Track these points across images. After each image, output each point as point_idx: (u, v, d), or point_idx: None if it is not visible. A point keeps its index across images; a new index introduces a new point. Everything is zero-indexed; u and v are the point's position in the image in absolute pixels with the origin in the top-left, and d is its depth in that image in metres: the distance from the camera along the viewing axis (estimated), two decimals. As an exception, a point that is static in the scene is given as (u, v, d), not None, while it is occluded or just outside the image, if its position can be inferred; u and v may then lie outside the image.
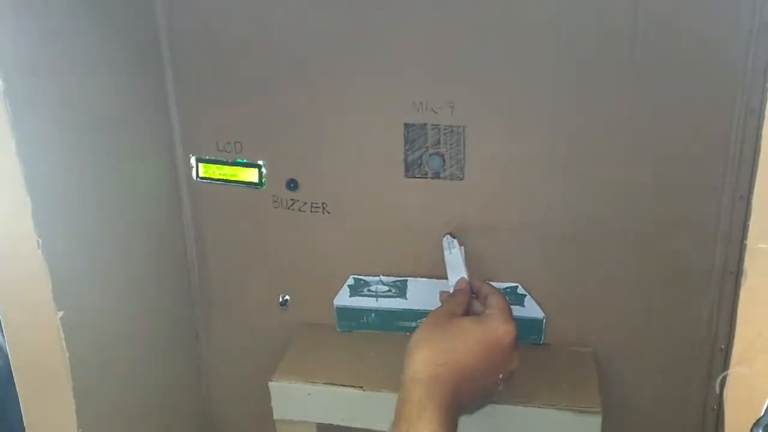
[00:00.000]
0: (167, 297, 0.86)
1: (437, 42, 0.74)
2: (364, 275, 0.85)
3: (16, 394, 0.68)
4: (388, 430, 0.62)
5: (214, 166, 0.84)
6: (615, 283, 0.79)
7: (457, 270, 0.76)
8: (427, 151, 0.78)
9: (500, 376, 0.68)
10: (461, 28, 0.73)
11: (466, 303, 0.72)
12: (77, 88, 0.68)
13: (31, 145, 0.61)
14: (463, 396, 0.64)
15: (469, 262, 0.77)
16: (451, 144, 0.77)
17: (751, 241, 0.48)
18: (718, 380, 0.52)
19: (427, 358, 0.64)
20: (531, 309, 0.81)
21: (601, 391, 0.76)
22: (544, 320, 0.82)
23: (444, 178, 0.79)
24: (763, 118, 0.68)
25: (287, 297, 0.89)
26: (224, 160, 0.84)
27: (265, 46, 0.78)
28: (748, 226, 0.48)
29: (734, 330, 0.51)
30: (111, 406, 0.75)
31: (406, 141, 0.78)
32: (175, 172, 0.85)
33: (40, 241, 0.62)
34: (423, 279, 0.83)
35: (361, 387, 0.78)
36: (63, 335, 0.65)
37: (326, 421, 0.81)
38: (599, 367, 0.81)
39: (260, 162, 0.83)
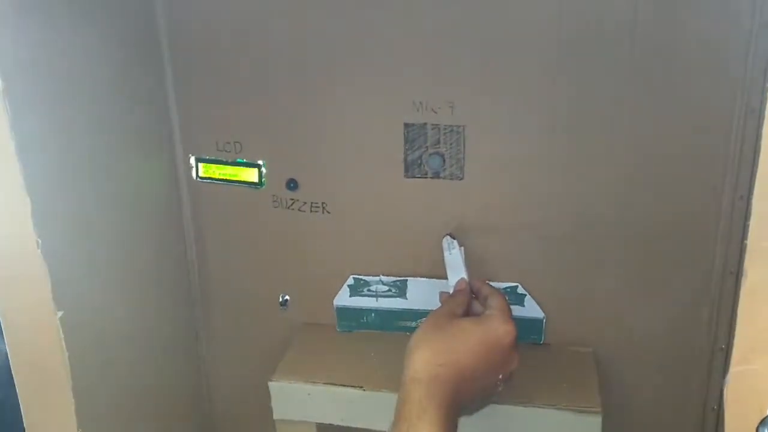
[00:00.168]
0: (167, 297, 0.86)
1: (437, 42, 0.74)
2: (364, 275, 0.85)
3: (15, 396, 0.68)
4: (388, 430, 0.62)
5: (214, 166, 0.84)
6: (615, 283, 0.79)
7: (457, 270, 0.76)
8: (427, 151, 0.78)
9: (500, 376, 0.68)
10: (461, 28, 0.73)
11: (466, 303, 0.72)
12: (77, 88, 0.68)
13: (30, 145, 0.61)
14: (463, 396, 0.64)
15: (469, 262, 0.77)
16: (451, 144, 0.77)
17: (751, 240, 0.48)
18: (726, 379, 0.52)
19: (427, 359, 0.64)
20: (531, 309, 0.81)
21: (601, 391, 0.76)
22: (544, 320, 0.82)
23: (444, 178, 0.79)
24: (763, 118, 0.68)
25: (287, 297, 0.89)
26: (224, 159, 0.84)
27: (265, 45, 0.78)
28: (748, 226, 0.48)
29: (734, 330, 0.51)
30: (111, 406, 0.75)
31: (406, 141, 0.78)
32: (175, 172, 0.85)
33: (40, 241, 0.62)
34: (423, 279, 0.83)
35: (361, 387, 0.78)
36: (62, 335, 0.65)
37: (326, 421, 0.81)
38: (599, 367, 0.81)
39: (260, 162, 0.83)
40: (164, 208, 0.85)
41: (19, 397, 0.68)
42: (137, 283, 0.79)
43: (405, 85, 0.76)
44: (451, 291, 0.75)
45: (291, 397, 0.80)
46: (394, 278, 0.84)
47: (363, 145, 0.79)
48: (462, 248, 0.77)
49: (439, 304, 0.74)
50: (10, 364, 0.67)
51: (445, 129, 0.77)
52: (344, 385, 0.79)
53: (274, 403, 0.81)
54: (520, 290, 0.81)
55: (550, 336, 0.83)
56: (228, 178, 0.84)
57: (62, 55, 0.65)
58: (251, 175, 0.83)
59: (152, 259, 0.82)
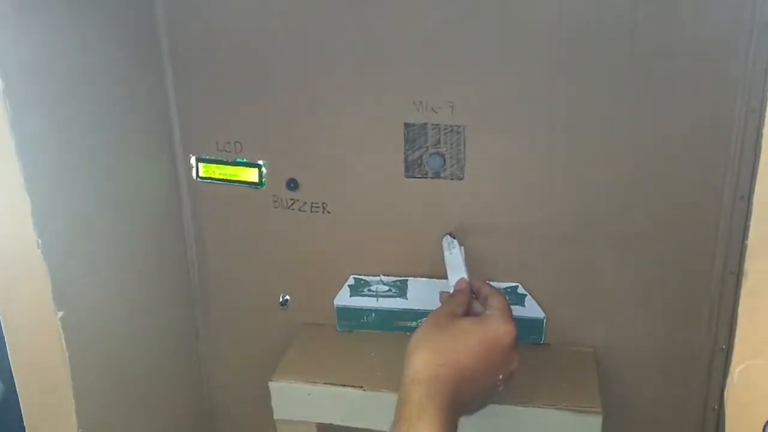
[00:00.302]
0: (167, 297, 0.86)
1: (437, 42, 0.74)
2: (365, 275, 0.85)
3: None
4: (389, 430, 0.62)
5: (214, 166, 0.84)
6: (615, 283, 0.79)
7: (457, 270, 0.76)
8: (427, 151, 0.78)
9: (500, 376, 0.68)
10: (461, 28, 0.73)
11: (467, 303, 0.72)
12: (77, 88, 0.68)
13: (30, 145, 0.61)
14: (464, 396, 0.64)
15: (470, 262, 0.77)
16: (451, 144, 0.77)
17: (752, 240, 0.48)
18: (727, 379, 0.52)
19: (427, 359, 0.64)
20: (531, 309, 0.81)
21: (601, 391, 0.76)
22: (545, 320, 0.82)
23: (444, 178, 0.79)
24: (764, 118, 0.68)
25: (287, 297, 0.89)
26: (224, 159, 0.84)
27: (265, 45, 0.78)
28: (748, 226, 0.48)
29: (735, 330, 0.51)
30: (111, 406, 0.75)
31: (407, 141, 0.78)
32: (175, 171, 0.85)
33: (40, 241, 0.62)
34: (423, 279, 0.83)
35: (362, 387, 0.78)
36: (63, 335, 0.65)
37: (326, 421, 0.81)
38: (599, 367, 0.81)
39: (260, 162, 0.83)
40: (164, 208, 0.85)
41: (19, 397, 0.68)
42: (137, 283, 0.79)
43: (405, 85, 0.76)
44: (451, 291, 0.75)
45: (291, 397, 0.80)
46: (395, 278, 0.84)
47: (363, 145, 0.79)
48: (462, 248, 0.77)
49: (440, 304, 0.74)
50: (11, 364, 0.67)
51: (445, 129, 0.77)
52: (344, 385, 0.79)
53: (274, 403, 0.80)
54: (521, 290, 0.81)
55: (551, 336, 0.83)
56: (228, 178, 0.84)
57: (62, 55, 0.65)
58: (251, 175, 0.83)
59: (152, 259, 0.82)
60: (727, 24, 0.67)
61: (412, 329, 0.68)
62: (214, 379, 0.95)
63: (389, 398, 0.64)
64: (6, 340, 0.66)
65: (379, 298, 0.85)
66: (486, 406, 0.71)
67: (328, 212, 0.83)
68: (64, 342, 0.66)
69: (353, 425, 0.80)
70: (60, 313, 0.65)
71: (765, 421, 0.51)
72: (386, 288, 0.84)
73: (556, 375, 0.78)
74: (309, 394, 0.79)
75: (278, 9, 0.76)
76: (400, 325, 0.85)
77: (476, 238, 0.80)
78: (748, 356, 0.50)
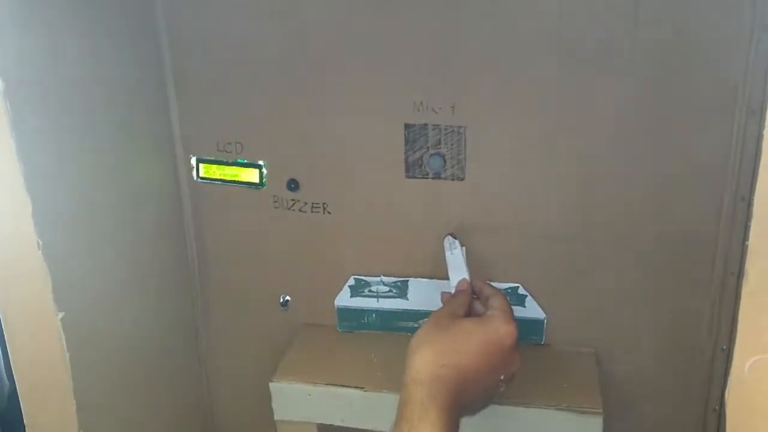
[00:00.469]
0: (168, 298, 0.86)
1: (438, 42, 0.74)
2: (365, 276, 0.85)
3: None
4: (389, 431, 0.62)
5: (214, 167, 0.84)
6: (616, 284, 0.79)
7: (458, 271, 0.76)
8: (427, 152, 0.78)
9: (502, 377, 0.67)
10: (462, 29, 0.73)
11: (468, 304, 0.72)
12: (77, 88, 0.68)
13: (31, 145, 0.61)
14: (465, 397, 0.64)
15: (470, 262, 0.77)
16: (451, 144, 0.77)
17: (752, 241, 0.48)
18: (728, 380, 0.52)
19: (428, 359, 0.64)
20: (532, 309, 0.81)
21: (602, 392, 0.76)
22: (545, 321, 0.82)
23: (445, 179, 0.79)
24: (764, 119, 0.68)
25: (288, 297, 0.89)
26: (225, 160, 0.84)
27: (265, 46, 0.78)
28: (749, 227, 0.48)
29: (735, 331, 0.51)
30: (111, 407, 0.75)
31: (407, 141, 0.78)
32: (176, 172, 0.85)
33: (41, 242, 0.62)
34: (424, 279, 0.83)
35: (362, 388, 0.78)
36: (63, 335, 0.65)
37: (327, 422, 0.81)
38: (600, 368, 0.81)
39: (261, 162, 0.83)
40: (165, 208, 0.85)
41: (20, 398, 0.68)
42: (138, 284, 0.79)
43: (406, 85, 0.76)
44: (452, 291, 0.75)
45: (292, 397, 0.80)
46: (395, 279, 0.84)
47: (364, 145, 0.79)
48: (463, 248, 0.77)
49: (441, 305, 0.74)
50: (11, 364, 0.67)
51: (446, 129, 0.77)
52: (345, 386, 0.79)
53: (274, 404, 0.80)
54: (521, 291, 0.81)
55: (551, 336, 0.83)
56: (229, 178, 0.84)
57: (62, 56, 0.65)
58: (252, 175, 0.83)
59: (153, 260, 0.82)
60: (727, 24, 0.67)
61: (413, 330, 0.68)
62: (214, 380, 0.95)
63: (390, 399, 0.64)
64: (6, 340, 0.66)
65: (380, 299, 0.85)
66: (487, 406, 0.71)
67: (329, 213, 0.83)
68: (64, 342, 0.66)
69: (354, 426, 0.80)
70: (60, 314, 0.65)
71: (766, 421, 0.51)
72: (387, 288, 0.84)
73: (556, 375, 0.78)
74: (309, 395, 0.79)
75: (278, 9, 0.76)
76: (400, 325, 0.85)
77: (477, 238, 0.80)
78: (748, 357, 0.50)
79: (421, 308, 0.83)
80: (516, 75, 0.73)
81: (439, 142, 0.77)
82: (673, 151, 0.73)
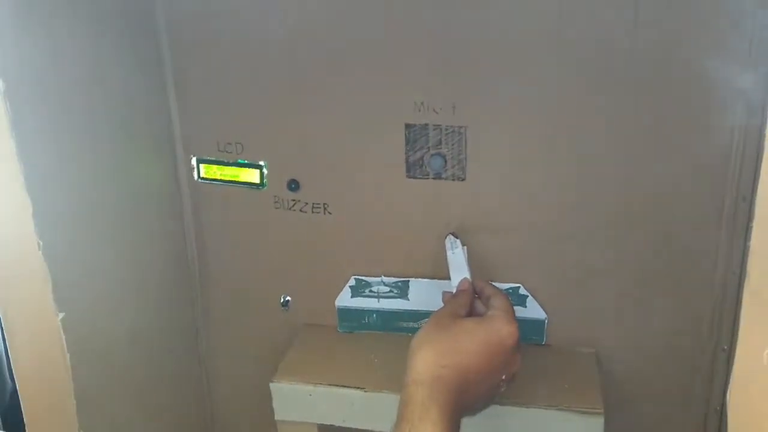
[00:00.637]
0: (168, 298, 0.86)
1: (438, 42, 0.73)
2: (366, 276, 0.85)
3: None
4: (390, 431, 0.62)
5: (215, 167, 0.84)
6: (617, 284, 0.79)
7: (459, 270, 0.76)
8: (428, 152, 0.78)
9: (503, 377, 0.67)
10: (462, 29, 0.72)
11: (469, 304, 0.72)
12: (77, 88, 0.68)
13: (31, 146, 0.61)
14: (466, 398, 0.64)
15: (472, 262, 0.77)
16: (452, 144, 0.77)
17: (754, 242, 0.48)
18: (729, 379, 0.51)
19: (430, 360, 0.64)
20: (533, 309, 0.81)
21: (603, 392, 0.76)
22: (546, 321, 0.82)
23: (446, 179, 0.79)
24: (766, 118, 0.68)
25: (288, 298, 0.89)
26: (225, 160, 0.84)
27: (265, 46, 0.78)
28: (751, 227, 0.48)
29: (737, 331, 0.50)
30: (112, 408, 0.74)
31: (408, 141, 0.78)
32: (176, 172, 0.85)
33: (41, 243, 0.62)
34: (425, 279, 0.83)
35: (363, 388, 0.78)
36: (63, 336, 0.65)
37: (327, 422, 0.81)
38: (601, 368, 0.80)
39: (261, 162, 0.83)
40: (165, 209, 0.84)
41: (20, 398, 0.68)
42: (138, 284, 0.79)
43: (406, 85, 0.76)
44: (453, 291, 0.75)
45: (292, 398, 0.80)
46: (396, 279, 0.84)
47: (364, 145, 0.79)
48: (465, 248, 0.77)
49: (442, 305, 0.74)
50: (11, 365, 0.67)
51: (446, 129, 0.77)
52: (346, 386, 0.79)
53: (275, 404, 0.80)
54: (522, 291, 0.81)
55: (552, 337, 0.83)
56: (229, 178, 0.84)
57: (63, 56, 0.65)
58: (252, 175, 0.83)
59: (153, 260, 0.82)
60: (729, 23, 0.67)
61: (414, 330, 0.68)
62: (214, 380, 0.95)
63: (390, 399, 0.64)
64: (7, 341, 0.66)
65: (381, 299, 0.85)
66: (488, 406, 0.71)
67: (329, 213, 0.83)
68: (64, 343, 0.65)
69: (354, 426, 0.80)
70: (61, 315, 0.65)
71: (768, 422, 0.51)
72: (387, 289, 0.84)
73: (557, 376, 0.78)
74: (310, 395, 0.79)
75: (279, 9, 0.76)
76: (401, 326, 0.85)
77: (478, 238, 0.80)
78: (750, 357, 0.50)
79: (421, 308, 0.83)
80: (517, 75, 0.73)
81: (440, 143, 0.77)
82: (673, 150, 0.73)
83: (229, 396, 0.95)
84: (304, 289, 0.88)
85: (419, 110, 0.76)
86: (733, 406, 0.52)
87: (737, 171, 0.72)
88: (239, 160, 0.83)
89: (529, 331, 0.82)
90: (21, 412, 0.69)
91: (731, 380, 0.51)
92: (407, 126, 0.77)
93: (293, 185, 0.82)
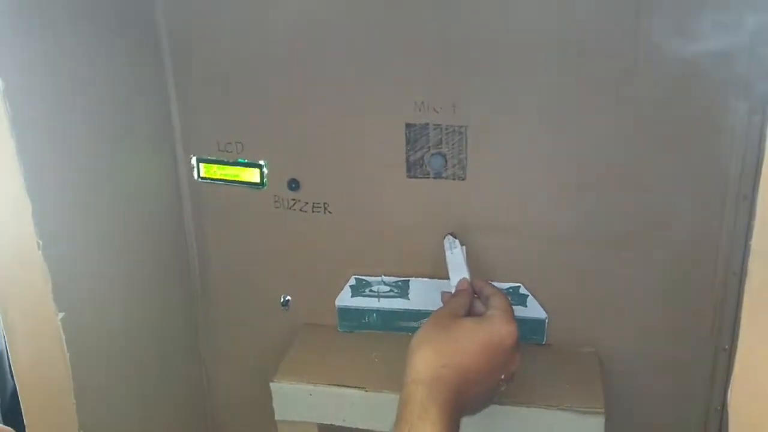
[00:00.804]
0: (168, 298, 0.86)
1: (439, 42, 0.73)
2: (366, 275, 0.84)
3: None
4: (390, 431, 0.62)
5: (215, 167, 0.84)
6: (618, 283, 0.79)
7: (458, 270, 0.76)
8: (429, 151, 0.78)
9: (502, 376, 0.67)
10: (463, 28, 0.72)
11: (469, 303, 0.72)
12: (77, 88, 0.68)
13: (31, 146, 0.60)
14: (466, 397, 0.64)
15: (472, 262, 0.77)
16: (453, 144, 0.77)
17: (755, 241, 0.48)
18: (730, 380, 0.51)
19: (429, 359, 0.64)
20: (533, 309, 0.81)
21: (603, 392, 0.76)
22: (547, 320, 0.82)
23: (446, 178, 0.78)
24: (767, 118, 0.68)
25: (288, 297, 0.89)
26: (225, 160, 0.83)
27: (265, 45, 0.77)
28: (752, 226, 0.48)
29: (738, 331, 0.50)
30: (112, 407, 0.74)
31: (408, 141, 0.78)
32: (176, 172, 0.85)
33: (41, 243, 0.62)
34: (425, 279, 0.83)
35: (363, 388, 0.78)
36: (64, 336, 0.65)
37: (328, 422, 0.81)
38: (602, 368, 0.80)
39: (261, 162, 0.82)
40: (165, 208, 0.84)
41: (20, 398, 0.68)
42: (138, 284, 0.79)
43: (407, 85, 0.76)
44: (453, 291, 0.75)
45: (292, 397, 0.80)
46: (396, 278, 0.84)
47: (365, 145, 0.79)
48: (464, 247, 0.77)
49: (441, 304, 0.74)
50: (11, 365, 0.67)
51: (447, 129, 0.76)
52: (346, 386, 0.79)
53: (275, 404, 0.80)
54: (523, 290, 0.81)
55: (553, 336, 0.83)
56: (229, 178, 0.84)
57: (63, 56, 0.65)
58: (253, 175, 0.83)
59: (153, 260, 0.82)
60: (729, 23, 0.67)
61: (414, 330, 0.68)
62: (215, 380, 0.95)
63: (391, 399, 0.64)
64: (6, 341, 0.66)
65: (381, 299, 0.85)
66: (488, 406, 0.71)
67: (330, 212, 0.83)
68: (64, 343, 0.65)
69: (355, 426, 0.80)
70: (61, 314, 0.65)
71: (768, 422, 0.51)
72: (388, 288, 0.84)
73: (558, 376, 0.78)
74: (310, 395, 0.79)
75: (279, 9, 0.76)
76: (401, 325, 0.85)
77: (478, 238, 0.79)
78: (751, 357, 0.50)
79: (422, 308, 0.83)
80: (517, 75, 0.73)
81: (440, 142, 0.77)
82: (674, 149, 0.73)
83: (230, 396, 0.95)
84: (305, 289, 0.87)
85: (420, 110, 0.76)
86: (733, 405, 0.52)
87: (738, 170, 0.72)
88: (239, 160, 0.83)
89: (530, 331, 0.82)
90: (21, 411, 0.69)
91: (732, 380, 0.51)
92: (408, 125, 0.77)
93: (293, 185, 0.82)
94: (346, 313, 0.86)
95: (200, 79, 0.81)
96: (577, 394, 0.75)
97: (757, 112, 0.69)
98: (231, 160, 0.83)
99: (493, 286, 0.74)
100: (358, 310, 0.86)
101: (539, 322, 0.82)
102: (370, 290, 0.85)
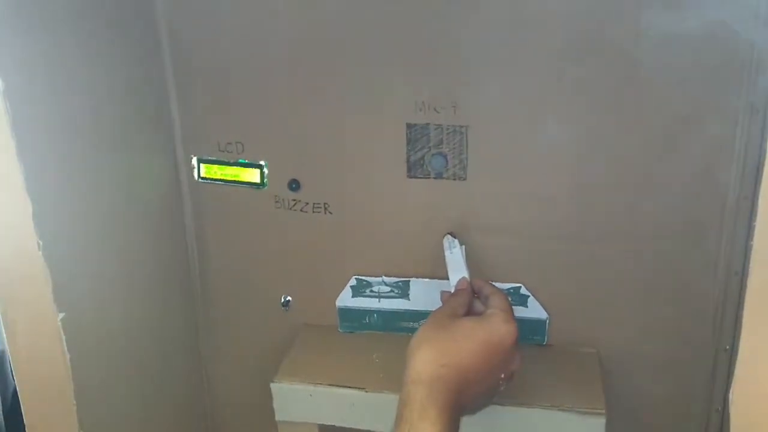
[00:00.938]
0: (168, 298, 0.86)
1: (440, 42, 0.73)
2: (367, 276, 0.84)
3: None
4: (390, 431, 0.62)
5: (215, 167, 0.84)
6: (619, 284, 0.79)
7: (458, 270, 0.76)
8: (429, 151, 0.78)
9: (502, 376, 0.67)
10: (464, 28, 0.72)
11: (468, 303, 0.72)
12: (77, 88, 0.67)
13: (31, 146, 0.60)
14: (465, 397, 0.64)
15: (473, 262, 0.77)
16: (453, 144, 0.77)
17: (757, 241, 0.48)
18: (732, 380, 0.51)
19: (429, 359, 0.64)
20: (534, 310, 0.81)
21: (604, 392, 0.76)
22: (548, 321, 0.82)
23: (447, 179, 0.78)
24: (768, 118, 0.68)
25: (289, 298, 0.88)
26: (226, 160, 0.83)
27: (266, 45, 0.77)
28: (753, 226, 0.48)
29: (739, 331, 0.50)
30: (112, 407, 0.74)
31: (409, 141, 0.78)
32: (177, 172, 0.85)
33: (41, 243, 0.62)
34: (425, 279, 0.83)
35: (364, 388, 0.78)
36: (64, 337, 0.65)
37: (328, 423, 0.81)
38: (603, 368, 0.80)
39: (262, 162, 0.82)
40: (166, 209, 0.84)
41: (20, 399, 0.68)
42: (139, 284, 0.79)
43: (408, 85, 0.76)
44: (452, 290, 0.75)
45: (293, 398, 0.80)
46: (397, 279, 0.84)
47: (365, 145, 0.79)
48: (463, 247, 0.77)
49: (441, 304, 0.74)
50: (12, 366, 0.67)
51: (447, 129, 0.76)
52: (346, 387, 0.79)
53: (276, 405, 0.80)
54: (524, 291, 0.81)
55: (554, 337, 0.82)
56: (230, 178, 0.84)
57: (62, 56, 0.65)
58: (253, 175, 0.83)
59: (154, 260, 0.82)
60: (731, 22, 0.67)
61: (415, 330, 0.68)
62: (215, 381, 0.95)
63: (391, 399, 0.64)
64: (7, 341, 0.66)
65: (381, 299, 0.85)
66: (487, 406, 0.71)
67: (330, 213, 0.83)
68: (65, 344, 0.65)
69: (355, 426, 0.80)
70: (61, 315, 0.65)
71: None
72: (388, 289, 0.84)
73: (559, 376, 0.78)
74: (311, 395, 0.79)
75: (280, 9, 0.76)
76: (402, 326, 0.85)
77: (479, 238, 0.79)
78: (752, 357, 0.50)
79: (422, 308, 0.83)
80: (518, 75, 0.73)
81: (441, 142, 0.77)
82: (675, 149, 0.72)
83: (230, 396, 0.95)
84: (305, 289, 0.87)
85: (420, 110, 0.76)
86: (735, 406, 0.51)
87: (739, 170, 0.71)
88: (240, 160, 0.83)
89: (531, 332, 0.81)
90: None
91: (734, 381, 0.51)
92: (408, 126, 0.77)
93: (294, 185, 0.82)
94: (346, 313, 0.86)
95: (200, 79, 0.81)
96: (578, 394, 0.75)
97: (758, 111, 0.69)
98: (231, 161, 0.83)
99: (493, 285, 0.74)
100: (358, 310, 0.86)
101: (540, 323, 0.82)
102: (371, 290, 0.85)
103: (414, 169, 0.79)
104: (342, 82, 0.77)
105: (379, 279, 0.84)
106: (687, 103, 0.71)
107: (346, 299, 0.86)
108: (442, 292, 0.77)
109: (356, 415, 0.79)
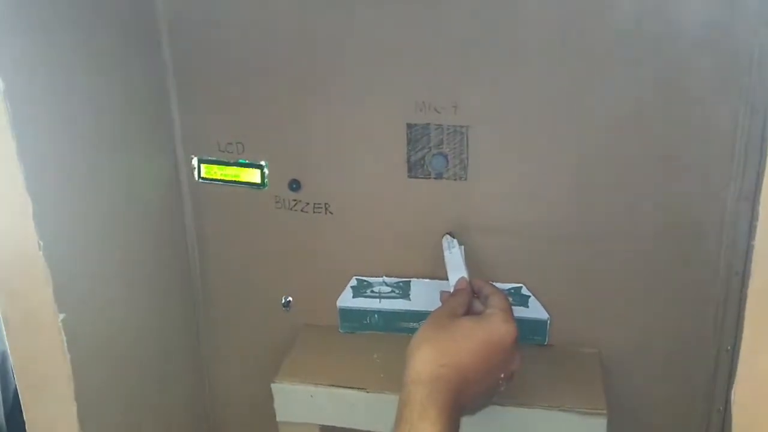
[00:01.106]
0: (169, 299, 0.86)
1: (440, 42, 0.73)
2: (367, 276, 0.84)
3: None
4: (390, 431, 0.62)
5: (215, 167, 0.84)
6: (620, 284, 0.78)
7: (457, 270, 0.75)
8: (430, 152, 0.78)
9: (502, 375, 0.67)
10: (464, 28, 0.72)
11: (467, 302, 0.72)
12: (78, 88, 0.67)
13: (31, 146, 0.60)
14: (465, 397, 0.64)
15: (475, 262, 0.77)
16: (454, 144, 0.77)
17: (758, 241, 0.48)
18: (733, 380, 0.51)
19: (428, 359, 0.63)
20: (535, 310, 0.81)
21: (606, 393, 0.76)
22: (549, 321, 0.82)
23: (447, 179, 0.78)
24: (769, 117, 0.68)
25: (290, 298, 0.88)
26: (226, 160, 0.83)
27: (267, 46, 0.77)
28: (754, 226, 0.48)
29: (740, 331, 0.50)
30: (112, 409, 0.74)
31: (409, 141, 0.78)
32: (177, 173, 0.85)
33: (42, 243, 0.62)
34: (426, 280, 0.83)
35: (365, 389, 0.78)
36: (64, 337, 0.65)
37: (329, 423, 0.81)
38: (604, 369, 0.80)
39: (262, 162, 0.82)
40: (166, 209, 0.84)
41: (21, 399, 0.68)
42: (139, 285, 0.79)
43: (408, 85, 0.75)
44: (451, 290, 0.75)
45: (294, 398, 0.80)
46: (397, 279, 0.84)
47: (366, 145, 0.79)
48: (462, 247, 0.77)
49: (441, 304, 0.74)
50: (13, 366, 0.67)
51: (448, 129, 0.76)
52: (347, 387, 0.78)
53: (276, 405, 0.80)
54: (524, 291, 0.81)
55: (555, 337, 0.82)
56: (230, 179, 0.84)
57: (63, 56, 0.65)
58: (253, 175, 0.83)
59: (154, 261, 0.82)
60: (731, 23, 0.67)
61: (416, 330, 0.68)
62: (216, 381, 0.95)
63: (392, 400, 0.64)
64: (7, 342, 0.66)
65: (382, 300, 0.85)
66: (487, 405, 0.71)
67: (331, 213, 0.83)
68: (65, 344, 0.65)
69: (356, 427, 0.80)
70: (61, 315, 0.64)
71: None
72: (389, 289, 0.84)
73: (560, 376, 0.78)
74: (311, 396, 0.79)
75: (280, 9, 0.76)
76: (403, 326, 0.85)
77: (480, 238, 0.79)
78: (754, 357, 0.50)
79: (423, 309, 0.83)
80: (518, 75, 0.73)
81: (442, 142, 0.77)
82: (676, 150, 0.72)
83: (230, 397, 0.95)
84: (306, 290, 0.87)
85: (421, 110, 0.76)
86: (737, 406, 0.51)
87: (740, 170, 0.71)
88: (240, 160, 0.83)
89: (532, 332, 0.81)
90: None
91: (735, 381, 0.51)
92: (409, 126, 0.77)
93: (294, 185, 0.82)
94: (347, 313, 0.86)
95: (201, 79, 0.81)
96: (578, 394, 0.75)
97: (758, 111, 0.69)
98: (232, 161, 0.83)
99: (492, 285, 0.74)
100: (359, 310, 0.86)
101: (541, 323, 0.82)
102: (372, 291, 0.85)
103: (414, 169, 0.79)
104: (342, 82, 0.77)
105: (380, 279, 0.84)
106: (687, 103, 0.70)
107: (346, 299, 0.86)
108: (442, 292, 0.77)
109: (357, 416, 0.79)
